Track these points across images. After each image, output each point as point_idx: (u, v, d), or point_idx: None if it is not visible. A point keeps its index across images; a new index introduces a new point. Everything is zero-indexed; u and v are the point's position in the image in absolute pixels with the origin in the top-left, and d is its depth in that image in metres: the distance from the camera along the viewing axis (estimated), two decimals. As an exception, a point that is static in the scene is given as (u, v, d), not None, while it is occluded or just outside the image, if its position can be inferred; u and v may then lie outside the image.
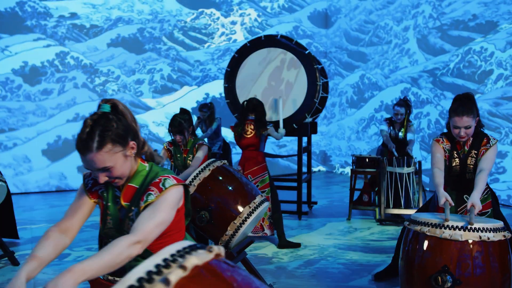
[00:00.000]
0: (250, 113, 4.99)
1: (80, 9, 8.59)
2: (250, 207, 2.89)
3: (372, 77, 9.86)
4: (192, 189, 2.93)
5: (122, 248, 1.42)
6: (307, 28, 10.76)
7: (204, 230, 3.02)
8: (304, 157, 7.09)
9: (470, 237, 2.40)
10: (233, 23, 10.16)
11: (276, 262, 4.24)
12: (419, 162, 5.82)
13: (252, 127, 4.93)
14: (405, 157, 5.73)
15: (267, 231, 4.89)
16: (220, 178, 2.99)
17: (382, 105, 9.60)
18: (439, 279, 2.35)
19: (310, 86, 5.60)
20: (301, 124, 5.73)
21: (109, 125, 1.55)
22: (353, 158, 6.11)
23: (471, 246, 2.40)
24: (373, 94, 9.82)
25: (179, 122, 3.76)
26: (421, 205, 5.70)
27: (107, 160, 1.54)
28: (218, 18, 10.00)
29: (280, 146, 10.31)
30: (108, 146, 1.54)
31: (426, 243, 2.50)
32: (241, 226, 2.83)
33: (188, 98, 9.53)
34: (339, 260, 4.32)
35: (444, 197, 2.71)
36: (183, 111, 4.02)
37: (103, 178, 1.58)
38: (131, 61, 9.04)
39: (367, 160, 6.01)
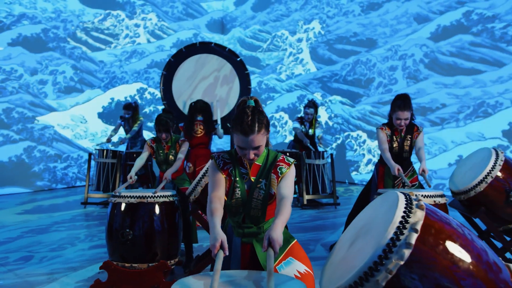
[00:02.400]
0: (198, 114, 5.48)
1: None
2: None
3: (269, 83, 10.87)
4: (207, 179, 3.39)
5: (289, 207, 1.96)
6: (205, 35, 11.37)
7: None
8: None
9: (429, 202, 3.34)
10: (137, 25, 10.33)
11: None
12: (331, 155, 6.88)
13: (201, 127, 5.43)
14: (321, 151, 6.75)
15: None
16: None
17: (279, 109, 10.67)
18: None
19: (242, 89, 6.28)
20: (234, 123, 6.37)
21: (262, 115, 2.06)
22: (275, 153, 6.94)
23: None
24: (271, 97, 10.84)
25: (166, 121, 4.10)
26: (332, 191, 6.78)
27: (261, 140, 2.03)
28: (123, 20, 10.08)
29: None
30: (263, 130, 2.04)
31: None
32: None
33: (96, 101, 9.47)
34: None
35: (396, 167, 3.69)
36: (166, 111, 4.36)
37: (252, 155, 2.05)
38: (32, 61, 8.69)
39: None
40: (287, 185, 2.08)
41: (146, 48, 10.33)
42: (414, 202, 1.51)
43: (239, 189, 2.13)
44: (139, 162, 4.02)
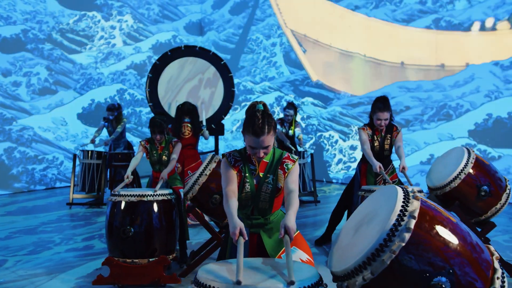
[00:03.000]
0: (185, 115, 5.66)
1: None
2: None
3: (246, 84, 11.11)
4: (204, 178, 3.60)
5: (298, 199, 2.20)
6: (183, 37, 11.51)
7: (212, 212, 3.71)
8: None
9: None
10: (113, 27, 10.37)
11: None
12: (311, 155, 7.17)
13: (189, 128, 5.62)
14: (301, 151, 7.03)
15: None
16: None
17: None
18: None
19: (226, 92, 6.49)
20: (219, 124, 6.58)
21: (271, 118, 2.29)
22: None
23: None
24: (248, 98, 11.09)
25: (160, 123, 4.27)
26: (312, 189, 7.08)
27: (270, 140, 2.27)
28: (99, 21, 10.11)
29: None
30: (272, 132, 2.27)
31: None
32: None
33: (76, 103, 9.49)
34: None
35: (378, 164, 4.01)
36: (160, 113, 4.53)
37: (261, 153, 2.28)
38: (4, 62, 8.64)
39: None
40: (293, 180, 2.33)
41: (122, 50, 10.39)
42: (411, 194, 1.78)
43: (249, 183, 2.36)
44: (134, 162, 4.18)
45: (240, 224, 2.03)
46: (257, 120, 2.25)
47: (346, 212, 4.76)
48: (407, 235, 1.64)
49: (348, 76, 9.41)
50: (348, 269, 1.72)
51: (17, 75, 8.77)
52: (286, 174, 2.35)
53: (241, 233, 2.00)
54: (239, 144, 11.16)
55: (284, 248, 2.30)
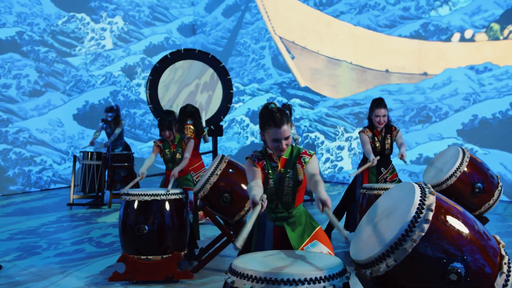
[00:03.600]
0: (188, 117, 5.82)
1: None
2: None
3: (239, 85, 11.28)
4: (215, 178, 3.77)
5: (321, 179, 2.40)
6: (176, 39, 11.63)
7: (223, 210, 3.88)
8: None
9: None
10: (103, 29, 10.43)
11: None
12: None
13: (191, 130, 5.78)
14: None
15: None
16: (233, 168, 3.90)
17: (249, 111, 11.11)
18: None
19: (224, 94, 6.66)
20: (217, 125, 6.74)
21: (285, 111, 2.52)
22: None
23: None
24: (240, 99, 11.26)
25: (168, 120, 4.42)
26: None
27: (289, 131, 2.49)
28: (88, 23, 10.15)
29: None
30: (289, 123, 2.50)
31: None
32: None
33: (70, 105, 9.55)
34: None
35: (373, 158, 4.36)
36: (168, 112, 4.67)
37: (284, 145, 2.49)
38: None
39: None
40: (313, 166, 2.54)
41: (113, 52, 10.46)
42: (427, 190, 1.98)
43: (272, 179, 2.55)
44: (148, 162, 4.34)
45: (262, 195, 2.19)
46: (275, 114, 2.48)
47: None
48: (426, 226, 1.84)
49: (334, 82, 9.69)
50: (373, 257, 1.91)
51: (6, 77, 8.78)
52: (304, 167, 2.54)
53: (261, 201, 2.16)
54: (232, 145, 11.32)
55: (307, 241, 2.50)
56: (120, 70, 10.50)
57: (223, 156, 3.96)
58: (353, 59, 9.32)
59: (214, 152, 6.94)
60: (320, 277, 1.87)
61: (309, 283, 1.84)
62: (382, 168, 4.62)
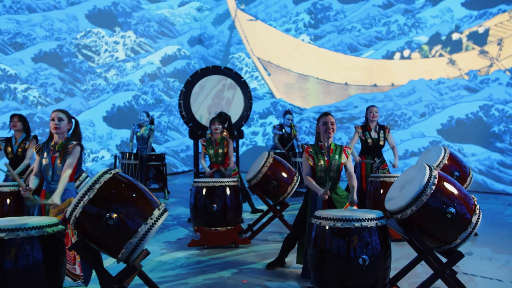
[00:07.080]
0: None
1: (4, 24, 9.15)
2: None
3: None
4: (265, 169, 5.10)
5: (356, 180, 3.81)
6: (186, 50, 12.94)
7: (271, 194, 5.20)
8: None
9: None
10: (116, 42, 11.56)
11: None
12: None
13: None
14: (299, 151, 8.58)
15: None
16: (276, 161, 5.30)
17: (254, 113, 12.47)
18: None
19: (245, 103, 7.95)
20: (239, 130, 8.01)
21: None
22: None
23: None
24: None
25: (224, 115, 5.87)
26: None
27: (334, 120, 3.89)
28: (103, 37, 11.26)
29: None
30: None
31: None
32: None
33: (99, 107, 10.70)
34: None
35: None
36: (219, 115, 6.03)
37: (331, 129, 3.85)
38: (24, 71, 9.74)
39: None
40: (350, 166, 3.92)
41: (125, 64, 11.63)
42: (432, 168, 3.35)
43: (323, 160, 3.89)
44: (203, 163, 5.67)
45: (326, 189, 3.61)
46: (325, 113, 3.93)
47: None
48: (433, 187, 3.20)
49: (304, 94, 11.67)
50: (403, 206, 3.26)
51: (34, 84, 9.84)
52: (347, 157, 3.90)
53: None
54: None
55: (347, 203, 3.86)
56: (143, 76, 11.76)
57: (269, 153, 5.28)
58: (319, 75, 11.47)
59: (237, 152, 8.20)
60: (373, 217, 3.22)
61: (369, 220, 3.18)
62: (376, 158, 6.06)
